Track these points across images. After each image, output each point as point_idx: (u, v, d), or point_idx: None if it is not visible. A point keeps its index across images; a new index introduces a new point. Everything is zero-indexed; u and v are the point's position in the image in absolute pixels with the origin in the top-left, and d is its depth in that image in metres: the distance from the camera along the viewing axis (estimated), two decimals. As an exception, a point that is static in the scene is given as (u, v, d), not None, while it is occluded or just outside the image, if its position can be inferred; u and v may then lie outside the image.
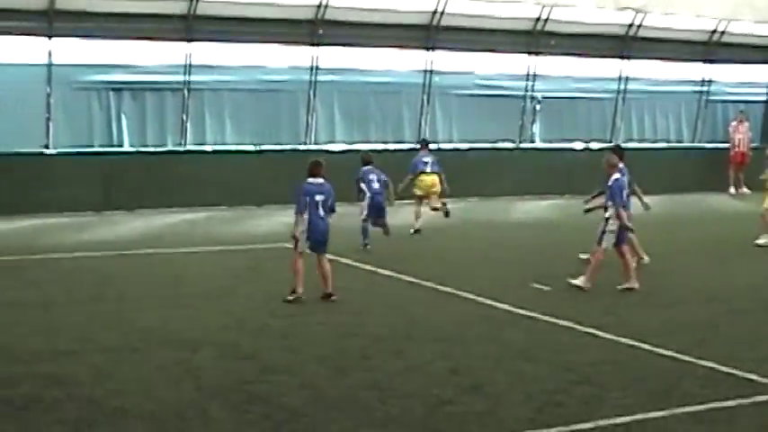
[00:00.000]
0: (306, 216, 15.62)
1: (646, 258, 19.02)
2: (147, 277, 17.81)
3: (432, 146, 25.36)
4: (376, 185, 20.81)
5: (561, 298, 16.08)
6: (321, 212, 15.69)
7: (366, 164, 21.26)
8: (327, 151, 29.28)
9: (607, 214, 16.75)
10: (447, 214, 23.35)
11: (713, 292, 16.95)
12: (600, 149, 32.87)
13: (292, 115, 29.76)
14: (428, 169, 23.42)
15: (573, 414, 10.11)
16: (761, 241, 21.83)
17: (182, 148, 28.02)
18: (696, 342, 13.16)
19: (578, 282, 16.67)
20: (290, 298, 15.41)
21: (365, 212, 20.71)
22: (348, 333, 13.59)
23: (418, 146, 25.40)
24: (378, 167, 21.20)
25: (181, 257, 20.01)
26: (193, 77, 27.86)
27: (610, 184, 16.88)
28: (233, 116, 28.75)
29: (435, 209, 23.51)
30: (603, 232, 16.74)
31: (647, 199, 19.20)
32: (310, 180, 15.84)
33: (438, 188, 23.46)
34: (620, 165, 17.55)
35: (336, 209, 15.95)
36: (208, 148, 28.31)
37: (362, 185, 20.86)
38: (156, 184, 26.71)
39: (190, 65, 27.67)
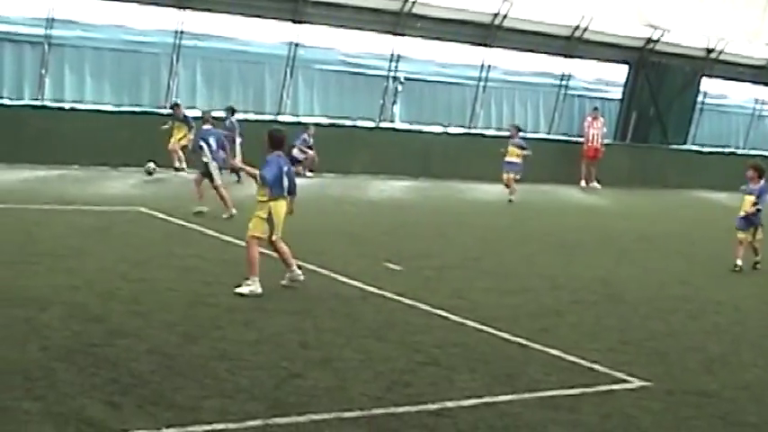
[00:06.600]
0: None
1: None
2: (-5, 232, 17.44)
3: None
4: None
5: (412, 278, 16.20)
6: None
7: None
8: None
9: None
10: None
11: (559, 281, 17.24)
12: (458, 134, 33.40)
13: (154, 77, 29.49)
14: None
15: (420, 394, 10.17)
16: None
17: (39, 103, 27.49)
18: (542, 329, 13.39)
19: None
20: None
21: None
22: (199, 302, 13.44)
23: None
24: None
25: (31, 214, 19.61)
26: (55, 32, 27.34)
27: None
28: (94, 74, 28.36)
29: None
30: None
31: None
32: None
33: None
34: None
35: None
36: (66, 104, 27.85)
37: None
38: (10, 138, 26.17)
39: (52, 19, 27.14)
